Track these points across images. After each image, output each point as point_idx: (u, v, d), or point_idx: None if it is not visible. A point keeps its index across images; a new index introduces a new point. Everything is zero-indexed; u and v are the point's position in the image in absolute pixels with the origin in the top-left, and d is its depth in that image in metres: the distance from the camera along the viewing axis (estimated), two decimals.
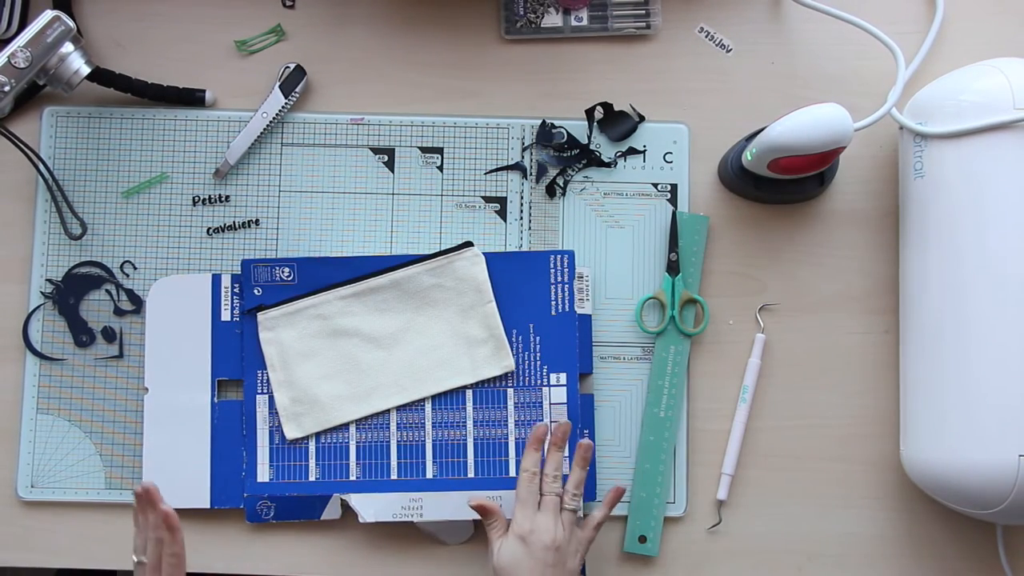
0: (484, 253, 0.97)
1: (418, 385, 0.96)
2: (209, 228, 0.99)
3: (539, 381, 0.96)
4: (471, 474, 0.96)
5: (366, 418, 0.96)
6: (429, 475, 0.96)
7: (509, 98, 1.01)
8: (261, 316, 0.96)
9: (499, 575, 0.88)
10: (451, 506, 0.94)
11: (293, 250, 0.99)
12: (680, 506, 0.97)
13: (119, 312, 0.98)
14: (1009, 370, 0.85)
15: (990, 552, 0.96)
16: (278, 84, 0.99)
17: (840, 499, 0.97)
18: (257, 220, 0.99)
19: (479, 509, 0.91)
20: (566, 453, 0.93)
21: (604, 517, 0.92)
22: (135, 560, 0.83)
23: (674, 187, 1.00)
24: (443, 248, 0.98)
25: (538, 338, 0.97)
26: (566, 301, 0.97)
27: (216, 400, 0.97)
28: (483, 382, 0.96)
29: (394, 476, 0.96)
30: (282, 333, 0.96)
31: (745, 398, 0.97)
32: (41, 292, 0.98)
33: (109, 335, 0.98)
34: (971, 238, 0.88)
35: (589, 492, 0.95)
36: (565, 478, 0.90)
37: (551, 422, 0.95)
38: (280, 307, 0.96)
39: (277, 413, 0.96)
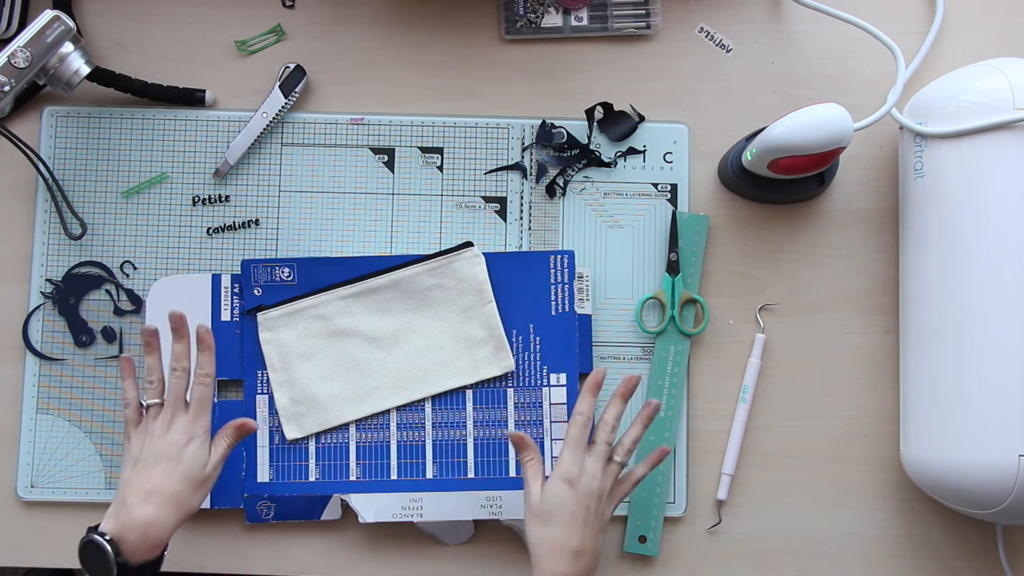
0: (484, 253, 0.97)
1: (418, 385, 0.96)
2: (209, 228, 0.99)
3: (539, 381, 0.96)
4: (471, 474, 0.95)
5: (366, 418, 0.96)
6: (429, 475, 0.96)
7: (509, 98, 1.01)
8: (261, 316, 0.96)
9: (538, 516, 0.85)
10: (451, 506, 0.94)
11: (293, 250, 0.99)
12: (680, 506, 0.97)
13: (119, 312, 0.98)
14: (1009, 370, 0.85)
15: (990, 552, 0.96)
16: (278, 84, 0.99)
17: (840, 499, 0.97)
18: (257, 220, 0.99)
19: (517, 441, 0.88)
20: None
21: (644, 475, 0.89)
22: (145, 404, 0.86)
23: (674, 187, 0.99)
24: (443, 248, 0.98)
25: (538, 338, 0.97)
26: (566, 301, 0.97)
27: (216, 400, 0.96)
28: (483, 382, 0.96)
29: (394, 476, 0.96)
30: (282, 333, 0.96)
31: (745, 398, 0.97)
32: (41, 292, 0.98)
33: (109, 335, 0.98)
34: (971, 238, 0.88)
35: None
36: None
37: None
38: (280, 307, 0.96)
39: (277, 413, 0.96)
